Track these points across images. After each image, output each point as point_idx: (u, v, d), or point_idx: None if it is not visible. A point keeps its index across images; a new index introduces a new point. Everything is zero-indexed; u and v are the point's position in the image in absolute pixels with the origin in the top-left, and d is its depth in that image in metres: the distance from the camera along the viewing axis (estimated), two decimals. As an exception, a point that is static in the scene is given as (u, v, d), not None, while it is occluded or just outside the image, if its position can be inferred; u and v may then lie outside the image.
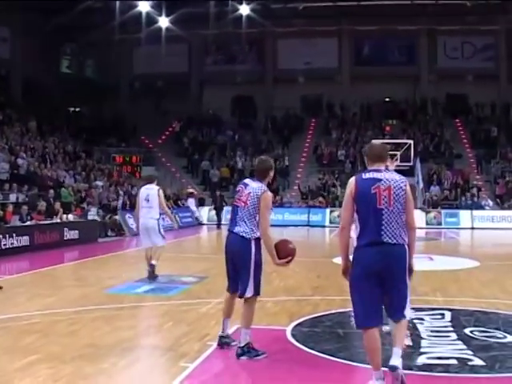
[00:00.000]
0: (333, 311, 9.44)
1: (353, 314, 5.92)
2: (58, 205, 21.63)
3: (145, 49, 42.07)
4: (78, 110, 45.28)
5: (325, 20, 40.09)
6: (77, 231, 21.10)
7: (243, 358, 6.85)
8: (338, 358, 6.88)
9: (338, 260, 16.09)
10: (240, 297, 7.07)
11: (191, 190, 34.70)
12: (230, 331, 7.41)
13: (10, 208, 19.79)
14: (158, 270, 12.72)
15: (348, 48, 43.86)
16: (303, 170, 38.88)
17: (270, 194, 6.99)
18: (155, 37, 39.00)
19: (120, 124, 42.17)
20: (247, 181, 7.21)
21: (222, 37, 42.66)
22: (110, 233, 24.63)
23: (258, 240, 7.01)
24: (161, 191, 12.98)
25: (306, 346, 7.33)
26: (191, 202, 33.55)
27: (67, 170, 29.71)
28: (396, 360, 5.59)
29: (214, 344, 7.36)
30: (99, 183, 29.37)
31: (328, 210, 33.27)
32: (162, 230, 12.88)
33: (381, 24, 39.64)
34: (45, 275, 14.09)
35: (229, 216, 7.30)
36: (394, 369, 5.55)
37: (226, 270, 7.30)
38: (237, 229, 7.00)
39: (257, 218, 6.94)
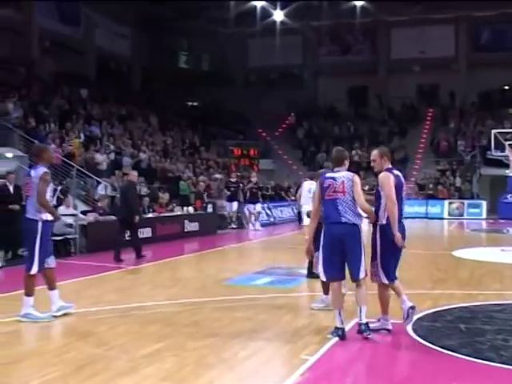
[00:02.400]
0: (453, 306, 9.22)
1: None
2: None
3: (259, 41, 42.33)
4: (195, 104, 46.19)
5: (440, 7, 38.99)
6: (197, 223, 21.57)
7: (366, 333, 7.30)
8: (460, 354, 6.70)
9: (458, 253, 15.83)
10: (354, 281, 7.47)
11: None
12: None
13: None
14: (277, 262, 12.76)
15: (465, 34, 42.41)
16: (420, 162, 38.08)
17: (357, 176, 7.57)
18: (269, 29, 39.23)
19: (237, 117, 42.69)
20: (330, 174, 7.60)
21: (336, 28, 42.39)
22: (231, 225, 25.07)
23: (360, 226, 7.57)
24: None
25: (427, 341, 7.18)
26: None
27: (186, 163, 30.36)
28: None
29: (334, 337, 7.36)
30: (218, 176, 29.84)
31: (447, 202, 32.55)
32: None
33: (500, 8, 38.14)
34: (166, 266, 14.48)
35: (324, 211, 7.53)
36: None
37: (329, 262, 7.42)
38: (344, 219, 7.35)
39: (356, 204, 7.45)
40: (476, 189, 34.09)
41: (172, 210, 21.75)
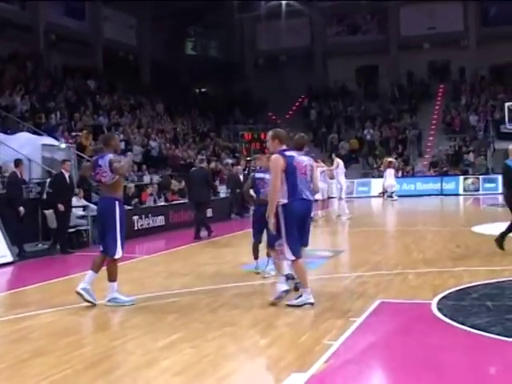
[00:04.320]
0: (478, 283, 8.87)
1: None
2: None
3: (266, 25, 41.92)
4: (204, 90, 45.87)
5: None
6: (210, 209, 21.20)
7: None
8: (490, 333, 6.37)
9: (478, 229, 15.49)
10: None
11: (390, 159, 30.81)
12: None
13: (150, 190, 20.18)
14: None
15: (474, 9, 41.78)
16: (433, 138, 37.61)
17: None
18: (276, 12, 38.77)
19: (247, 102, 42.36)
20: (300, 157, 8.22)
21: (343, 8, 41.87)
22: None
23: None
24: None
25: (454, 321, 6.85)
26: (390, 173, 29.33)
27: (197, 149, 30.10)
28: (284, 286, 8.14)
29: (358, 320, 7.06)
30: (229, 161, 29.54)
31: (462, 178, 32.15)
32: None
33: (508, -18, 37.50)
34: (181, 254, 14.22)
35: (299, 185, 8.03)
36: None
37: (295, 234, 7.88)
38: (311, 196, 8.17)
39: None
40: (491, 163, 33.63)
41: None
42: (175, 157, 27.22)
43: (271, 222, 7.87)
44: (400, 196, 29.12)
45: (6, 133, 19.58)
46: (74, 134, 22.66)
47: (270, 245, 8.87)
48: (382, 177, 32.23)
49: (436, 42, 40.79)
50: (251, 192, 10.67)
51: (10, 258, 12.90)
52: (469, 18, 41.85)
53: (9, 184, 14.46)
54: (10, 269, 12.59)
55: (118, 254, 8.39)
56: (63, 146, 19.90)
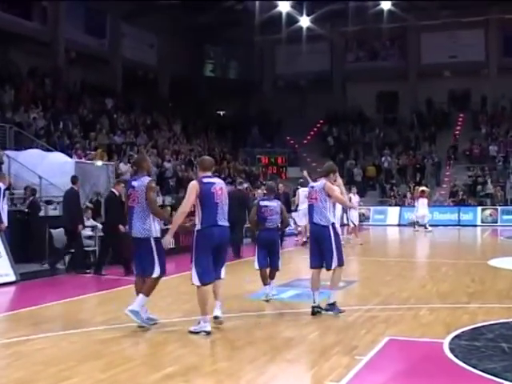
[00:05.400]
0: (493, 321, 8.44)
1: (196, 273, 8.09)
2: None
3: (286, 48, 41.76)
4: (222, 112, 45.77)
5: (470, 11, 38.01)
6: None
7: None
8: (504, 379, 5.92)
9: (494, 262, 14.99)
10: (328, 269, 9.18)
11: (423, 188, 29.32)
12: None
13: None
14: (303, 273, 12.15)
15: (496, 38, 41.38)
16: (452, 168, 37.12)
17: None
18: (296, 36, 38.61)
19: (265, 125, 42.15)
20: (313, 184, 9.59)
21: (363, 33, 41.59)
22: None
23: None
24: None
25: (466, 364, 6.43)
26: (423, 203, 27.96)
27: (213, 172, 29.80)
28: (217, 311, 8.30)
29: (364, 358, 6.66)
30: (245, 185, 29.18)
31: (479, 209, 31.61)
32: None
33: (531, 11, 37.09)
34: (187, 279, 13.82)
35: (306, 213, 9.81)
36: (216, 318, 8.25)
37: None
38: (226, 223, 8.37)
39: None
40: (510, 194, 33.09)
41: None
42: (190, 179, 26.92)
43: (166, 239, 8.48)
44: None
45: (18, 149, 19.44)
46: (87, 152, 22.44)
47: (274, 266, 10.47)
48: (399, 205, 31.80)
49: (457, 71, 40.36)
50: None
51: (12, 278, 12.61)
52: (490, 48, 41.38)
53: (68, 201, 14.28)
54: (11, 288, 12.28)
55: (157, 273, 8.55)
56: (99, 163, 19.71)
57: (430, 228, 27.30)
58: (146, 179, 8.47)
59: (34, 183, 16.44)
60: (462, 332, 7.83)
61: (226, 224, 8.27)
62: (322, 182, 9.25)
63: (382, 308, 9.47)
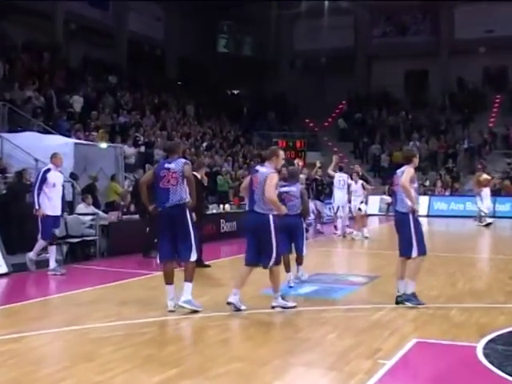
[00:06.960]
0: (534, 324, 8.29)
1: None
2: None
3: (306, 23, 41.52)
4: (236, 92, 45.59)
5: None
6: (234, 223, 20.77)
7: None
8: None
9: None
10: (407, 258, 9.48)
11: (487, 176, 27.78)
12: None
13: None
14: (321, 267, 12.09)
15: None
16: (487, 154, 36.77)
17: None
18: (317, 10, 38.34)
19: (281, 106, 41.96)
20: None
21: (391, 6, 41.30)
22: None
23: None
24: None
25: (502, 371, 6.27)
26: (486, 193, 26.87)
27: (225, 156, 29.74)
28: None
29: (388, 362, 6.53)
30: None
31: (518, 199, 31.40)
32: None
33: None
34: (197, 272, 13.73)
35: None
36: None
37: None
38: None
39: None
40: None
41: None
42: (200, 164, 26.83)
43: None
44: (447, 217, 28.42)
45: (14, 131, 19.35)
46: (87, 133, 22.31)
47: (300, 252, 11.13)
48: (426, 194, 31.48)
49: (493, 47, 39.82)
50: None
51: (4, 269, 12.57)
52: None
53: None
54: (3, 280, 12.24)
55: (193, 257, 9.16)
56: (104, 145, 19.59)
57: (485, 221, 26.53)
58: (182, 160, 9.17)
59: (30, 167, 16.35)
60: (498, 335, 7.68)
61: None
62: (403, 168, 9.48)
63: (408, 307, 9.33)
